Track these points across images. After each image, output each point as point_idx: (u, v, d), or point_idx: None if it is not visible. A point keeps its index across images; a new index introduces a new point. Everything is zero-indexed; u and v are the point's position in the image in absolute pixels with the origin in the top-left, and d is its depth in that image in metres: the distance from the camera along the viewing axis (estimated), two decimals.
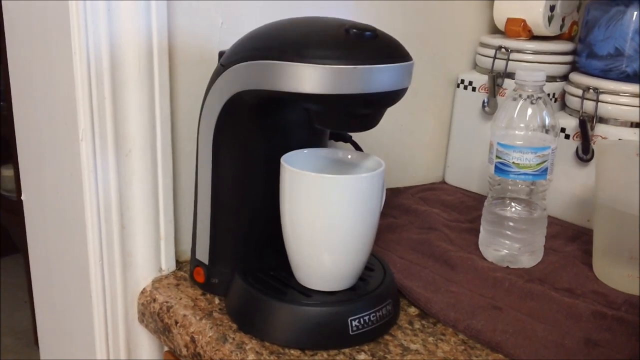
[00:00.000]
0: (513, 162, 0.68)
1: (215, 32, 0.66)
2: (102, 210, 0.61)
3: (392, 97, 0.52)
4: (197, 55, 0.65)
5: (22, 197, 0.74)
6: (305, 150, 0.60)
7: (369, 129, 0.55)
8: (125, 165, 0.61)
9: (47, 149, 0.66)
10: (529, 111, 0.68)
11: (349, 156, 0.62)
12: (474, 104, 0.91)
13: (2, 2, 0.68)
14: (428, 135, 0.95)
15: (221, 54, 0.59)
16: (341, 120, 0.53)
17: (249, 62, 0.52)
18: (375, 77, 0.50)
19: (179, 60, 0.64)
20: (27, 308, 2.13)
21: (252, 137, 0.58)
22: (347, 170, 0.60)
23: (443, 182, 0.99)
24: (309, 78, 0.49)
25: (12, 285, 2.40)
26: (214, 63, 0.62)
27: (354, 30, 0.50)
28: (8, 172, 2.15)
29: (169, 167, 0.64)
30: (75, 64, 0.57)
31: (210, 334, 0.57)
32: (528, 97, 0.68)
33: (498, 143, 0.69)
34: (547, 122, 0.68)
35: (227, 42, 0.66)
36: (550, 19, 0.86)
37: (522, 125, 0.68)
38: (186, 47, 0.64)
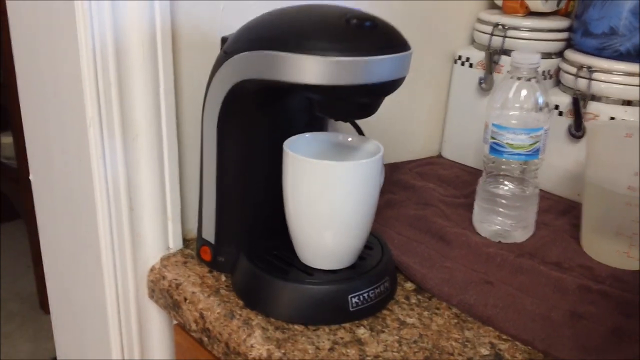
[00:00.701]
0: (507, 143, 0.70)
1: (217, 15, 0.67)
2: (111, 194, 0.64)
3: (391, 86, 0.54)
4: (199, 39, 0.66)
5: (30, 177, 0.76)
6: (307, 135, 0.62)
7: (368, 116, 0.57)
8: (132, 150, 0.63)
9: (55, 134, 0.68)
10: (523, 92, 0.70)
11: (349, 139, 0.64)
12: (471, 80, 0.93)
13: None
14: (426, 110, 0.97)
15: (224, 39, 0.61)
16: (342, 109, 0.56)
17: (251, 51, 0.54)
18: (376, 68, 0.52)
19: (182, 45, 0.65)
20: (31, 273, 2.18)
21: (256, 122, 0.60)
22: (348, 154, 0.62)
23: (440, 156, 1.01)
24: (310, 69, 0.51)
25: (14, 251, 2.44)
26: (216, 47, 0.64)
27: (354, 21, 0.52)
28: (7, 139, 2.17)
29: (174, 150, 0.66)
30: (81, 52, 0.59)
31: (219, 311, 0.60)
32: (523, 78, 0.70)
33: (493, 124, 0.71)
34: (540, 102, 0.70)
35: (229, 25, 0.67)
36: None
37: (516, 105, 0.70)
38: (189, 32, 0.66)
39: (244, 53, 0.55)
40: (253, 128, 0.61)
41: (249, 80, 0.55)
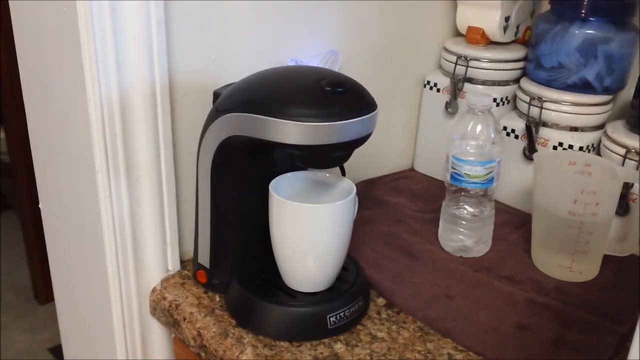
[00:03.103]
0: (465, 173, 0.80)
1: (209, 67, 0.75)
2: (117, 226, 0.72)
3: (361, 141, 0.63)
4: (194, 88, 0.75)
5: (40, 206, 0.85)
6: (289, 175, 0.71)
7: (342, 164, 0.66)
8: (136, 189, 0.72)
9: (65, 175, 0.77)
10: (479, 127, 0.80)
11: (327, 175, 0.73)
12: (438, 103, 1.02)
13: (19, 59, 0.77)
14: (400, 129, 1.06)
15: (215, 94, 0.69)
16: (319, 161, 0.65)
17: (239, 113, 0.63)
18: (347, 129, 0.61)
19: (179, 94, 0.74)
20: (24, 264, 2.25)
21: (245, 167, 0.69)
22: (325, 191, 0.72)
23: (412, 169, 1.11)
24: (291, 132, 0.60)
25: (7, 242, 2.50)
26: (209, 94, 0.72)
27: (328, 88, 0.60)
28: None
29: (172, 188, 0.74)
30: (89, 108, 0.67)
31: (214, 330, 0.70)
32: (478, 115, 0.79)
33: (453, 157, 0.80)
34: (493, 136, 0.80)
35: (220, 75, 0.76)
36: (505, 29, 0.97)
37: (472, 143, 0.79)
38: (184, 82, 0.74)
39: (233, 113, 0.63)
40: (243, 172, 0.69)
41: (238, 135, 0.64)
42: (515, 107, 0.98)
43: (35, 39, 0.74)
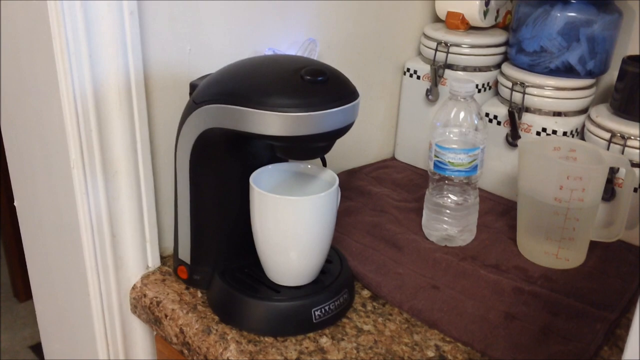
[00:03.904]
0: (449, 161, 0.78)
1: (185, 57, 0.73)
2: (94, 224, 0.70)
3: (343, 131, 0.62)
4: (170, 80, 0.72)
5: (15, 204, 0.82)
6: (270, 166, 0.69)
7: (324, 155, 0.64)
8: (113, 185, 0.70)
9: (40, 171, 0.74)
10: (462, 114, 0.78)
11: (309, 166, 0.71)
12: (418, 90, 1.00)
13: None
14: (380, 118, 1.05)
15: (192, 85, 0.67)
16: (301, 153, 0.63)
17: (218, 104, 0.61)
18: (329, 118, 0.59)
19: (154, 87, 0.71)
20: (4, 263, 2.21)
21: (224, 160, 0.67)
22: (307, 183, 0.70)
23: (394, 158, 1.09)
24: (272, 123, 0.58)
25: None
26: (185, 86, 0.70)
27: (308, 77, 0.59)
28: None
29: (150, 182, 0.72)
30: (63, 103, 0.64)
31: (197, 326, 0.68)
32: (461, 101, 0.78)
33: (436, 144, 0.79)
34: (476, 123, 0.78)
35: (196, 66, 0.74)
36: (485, 13, 0.95)
37: (455, 130, 0.78)
38: (160, 74, 0.71)
39: (211, 105, 0.61)
40: (222, 165, 0.68)
41: (217, 128, 0.62)
42: (497, 93, 0.97)
43: (5, 33, 0.71)
